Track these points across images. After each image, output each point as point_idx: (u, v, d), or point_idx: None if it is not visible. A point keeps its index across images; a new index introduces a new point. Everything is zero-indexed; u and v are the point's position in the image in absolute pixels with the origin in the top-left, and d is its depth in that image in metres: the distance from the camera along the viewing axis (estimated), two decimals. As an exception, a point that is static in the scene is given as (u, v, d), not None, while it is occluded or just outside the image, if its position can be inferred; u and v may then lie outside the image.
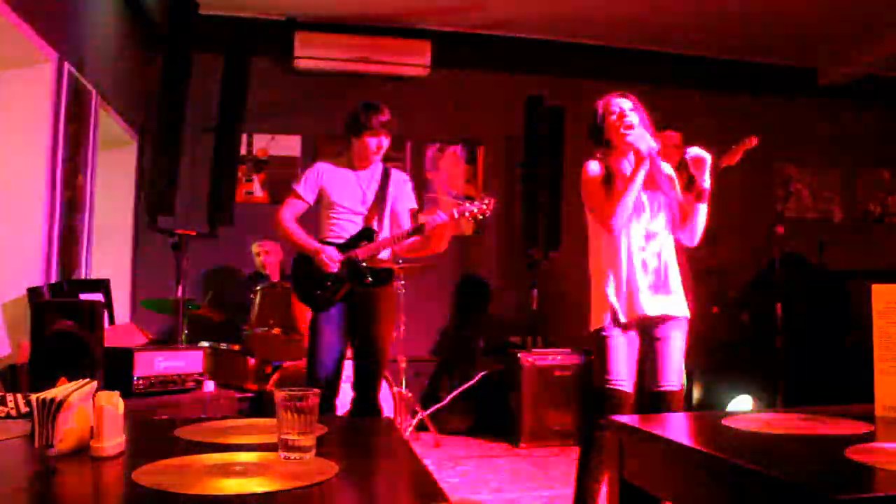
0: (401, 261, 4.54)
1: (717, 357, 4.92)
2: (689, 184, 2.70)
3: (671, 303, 2.69)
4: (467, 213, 3.16)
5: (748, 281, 5.37)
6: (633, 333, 2.67)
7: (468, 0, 5.16)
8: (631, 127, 2.66)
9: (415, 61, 5.49)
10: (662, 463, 1.49)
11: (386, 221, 3.31)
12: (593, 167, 2.72)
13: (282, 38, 5.39)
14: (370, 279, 3.17)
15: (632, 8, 5.21)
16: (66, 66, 3.54)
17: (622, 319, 2.62)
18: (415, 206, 3.41)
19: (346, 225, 3.23)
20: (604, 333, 2.64)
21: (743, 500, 1.22)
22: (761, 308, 4.67)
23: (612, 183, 2.68)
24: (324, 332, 3.18)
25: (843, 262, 5.46)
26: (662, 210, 2.72)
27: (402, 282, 4.62)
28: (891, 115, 6.27)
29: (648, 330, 2.69)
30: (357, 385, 3.24)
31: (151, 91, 4.56)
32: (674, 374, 2.68)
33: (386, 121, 3.20)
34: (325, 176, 3.27)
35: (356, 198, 3.25)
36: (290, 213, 3.27)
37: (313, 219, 3.37)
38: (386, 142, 3.24)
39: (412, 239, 3.19)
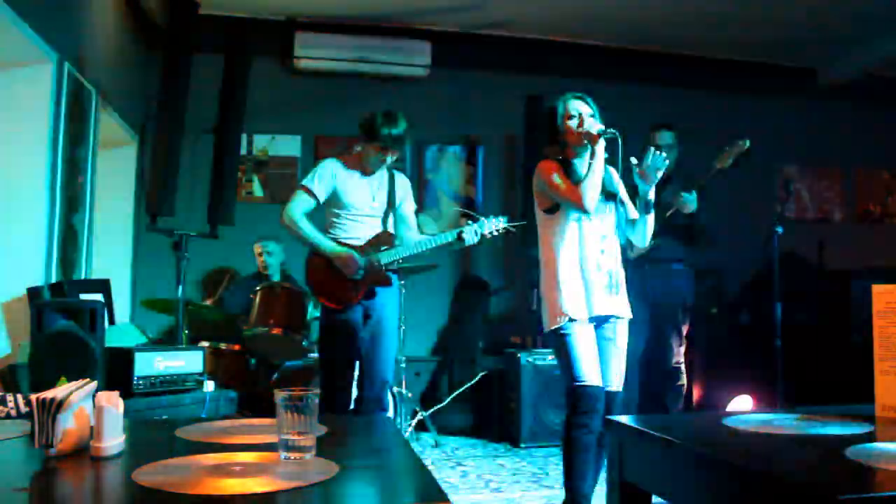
0: (401, 260, 4.55)
1: (717, 357, 4.92)
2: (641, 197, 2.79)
3: (621, 304, 2.80)
4: (491, 232, 3.18)
5: (748, 281, 5.37)
6: (589, 328, 2.73)
7: (468, 0, 5.16)
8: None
9: (415, 61, 5.49)
10: (662, 463, 1.49)
11: (394, 224, 3.35)
12: (550, 163, 2.80)
13: (282, 38, 5.39)
14: (391, 281, 3.24)
15: (631, 8, 5.21)
16: (66, 66, 3.54)
17: (581, 317, 2.69)
18: (416, 207, 3.46)
19: (359, 227, 3.26)
20: (563, 332, 2.69)
21: (743, 500, 1.22)
22: (761, 308, 4.67)
23: (570, 174, 2.78)
24: (339, 332, 3.21)
25: (843, 262, 5.46)
26: (613, 213, 2.83)
27: (402, 281, 4.62)
28: (891, 115, 6.27)
29: (600, 328, 2.78)
30: (367, 384, 3.26)
31: (151, 91, 4.56)
32: (618, 377, 2.79)
33: (398, 135, 3.18)
34: (338, 177, 3.25)
35: (367, 201, 3.27)
36: (300, 210, 3.23)
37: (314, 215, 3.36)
38: (393, 157, 3.25)
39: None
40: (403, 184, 3.40)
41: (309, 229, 3.22)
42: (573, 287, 2.71)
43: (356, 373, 3.38)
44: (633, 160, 2.70)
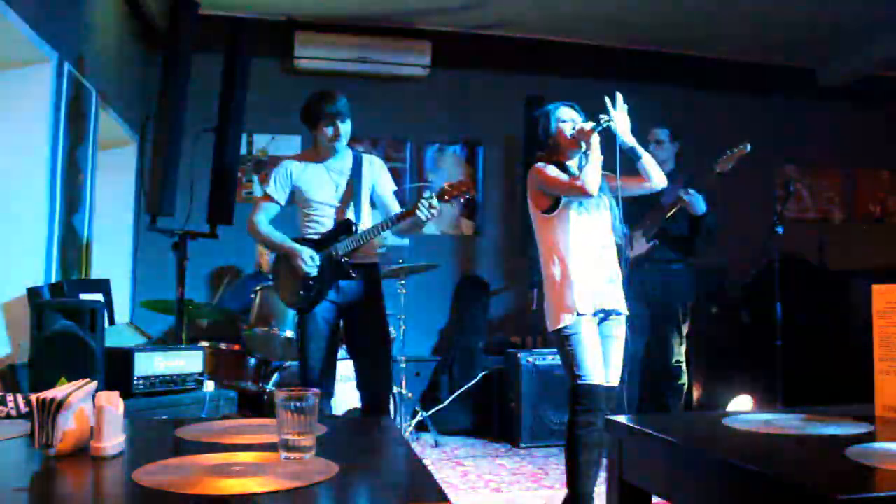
0: (401, 260, 4.55)
1: (717, 357, 4.92)
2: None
3: (620, 299, 2.87)
4: (446, 197, 3.01)
5: (748, 281, 5.37)
6: (593, 326, 2.78)
7: (468, 0, 5.16)
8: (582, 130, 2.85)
9: (415, 61, 5.49)
10: (662, 463, 1.49)
11: (365, 210, 3.20)
12: (543, 163, 2.87)
13: (282, 38, 5.39)
14: (353, 274, 3.07)
15: (631, 8, 5.21)
16: (66, 66, 3.54)
17: (587, 311, 2.74)
18: (395, 187, 3.32)
19: (324, 220, 3.15)
20: (569, 331, 2.75)
21: (743, 500, 1.22)
22: (761, 308, 4.67)
23: (566, 171, 2.86)
24: (313, 333, 3.09)
25: (843, 262, 5.46)
26: (609, 210, 2.91)
27: (402, 281, 4.62)
28: (891, 115, 6.27)
29: (601, 324, 2.83)
30: (364, 387, 3.17)
31: (151, 91, 4.56)
32: (616, 372, 2.86)
33: (337, 107, 3.09)
34: (295, 174, 3.17)
35: (330, 191, 3.16)
36: (263, 217, 3.18)
37: (293, 219, 3.30)
38: (344, 127, 3.12)
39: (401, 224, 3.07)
40: (372, 165, 3.25)
41: (267, 232, 3.16)
42: (578, 282, 2.76)
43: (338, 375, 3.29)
44: (604, 116, 2.79)
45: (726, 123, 5.73)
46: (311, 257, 3.06)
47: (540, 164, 2.86)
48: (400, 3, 5.27)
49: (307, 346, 3.10)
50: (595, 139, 2.78)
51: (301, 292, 3.10)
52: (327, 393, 3.14)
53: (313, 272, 3.06)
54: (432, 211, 2.95)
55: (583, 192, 2.73)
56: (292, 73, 5.48)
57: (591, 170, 2.73)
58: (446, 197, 3.01)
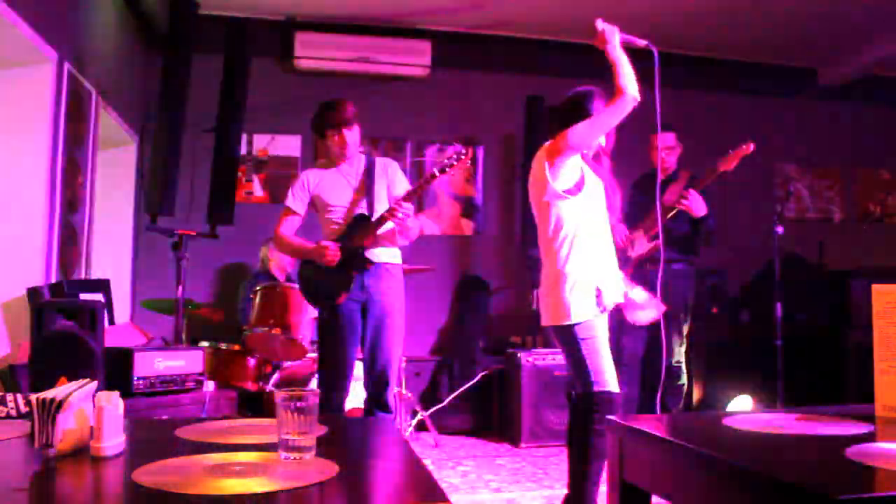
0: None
1: (717, 357, 4.92)
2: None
3: (620, 292, 2.79)
4: (447, 168, 3.15)
5: (748, 281, 5.37)
6: (605, 326, 2.67)
7: (468, 0, 5.16)
8: None
9: (415, 61, 5.49)
10: (662, 463, 1.49)
11: (379, 208, 3.25)
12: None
13: (282, 38, 5.39)
14: (371, 263, 3.16)
15: (632, 8, 5.21)
16: (66, 66, 3.54)
17: (610, 306, 2.64)
18: (410, 188, 3.35)
19: (342, 220, 3.25)
20: (586, 334, 2.57)
21: (743, 500, 1.22)
22: (761, 308, 4.67)
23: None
24: (333, 332, 3.19)
25: (843, 262, 5.46)
26: (614, 206, 2.86)
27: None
28: (891, 115, 6.27)
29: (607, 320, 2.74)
30: (367, 385, 3.25)
31: (151, 91, 4.56)
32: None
33: (343, 116, 3.19)
34: (313, 183, 3.28)
35: (346, 194, 3.26)
36: (287, 229, 3.29)
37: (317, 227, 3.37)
38: (351, 136, 3.22)
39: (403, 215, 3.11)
40: (386, 167, 3.33)
41: (291, 240, 3.27)
42: (602, 274, 2.62)
43: (356, 373, 3.37)
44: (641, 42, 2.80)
45: (726, 123, 5.73)
46: (329, 248, 3.14)
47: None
48: (400, 3, 5.27)
49: (325, 345, 3.22)
50: (616, 42, 2.75)
51: (325, 288, 3.20)
52: (342, 393, 3.21)
53: (335, 259, 3.14)
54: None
55: (627, 99, 2.66)
56: (292, 73, 5.48)
57: (623, 71, 2.66)
58: (447, 170, 3.15)
